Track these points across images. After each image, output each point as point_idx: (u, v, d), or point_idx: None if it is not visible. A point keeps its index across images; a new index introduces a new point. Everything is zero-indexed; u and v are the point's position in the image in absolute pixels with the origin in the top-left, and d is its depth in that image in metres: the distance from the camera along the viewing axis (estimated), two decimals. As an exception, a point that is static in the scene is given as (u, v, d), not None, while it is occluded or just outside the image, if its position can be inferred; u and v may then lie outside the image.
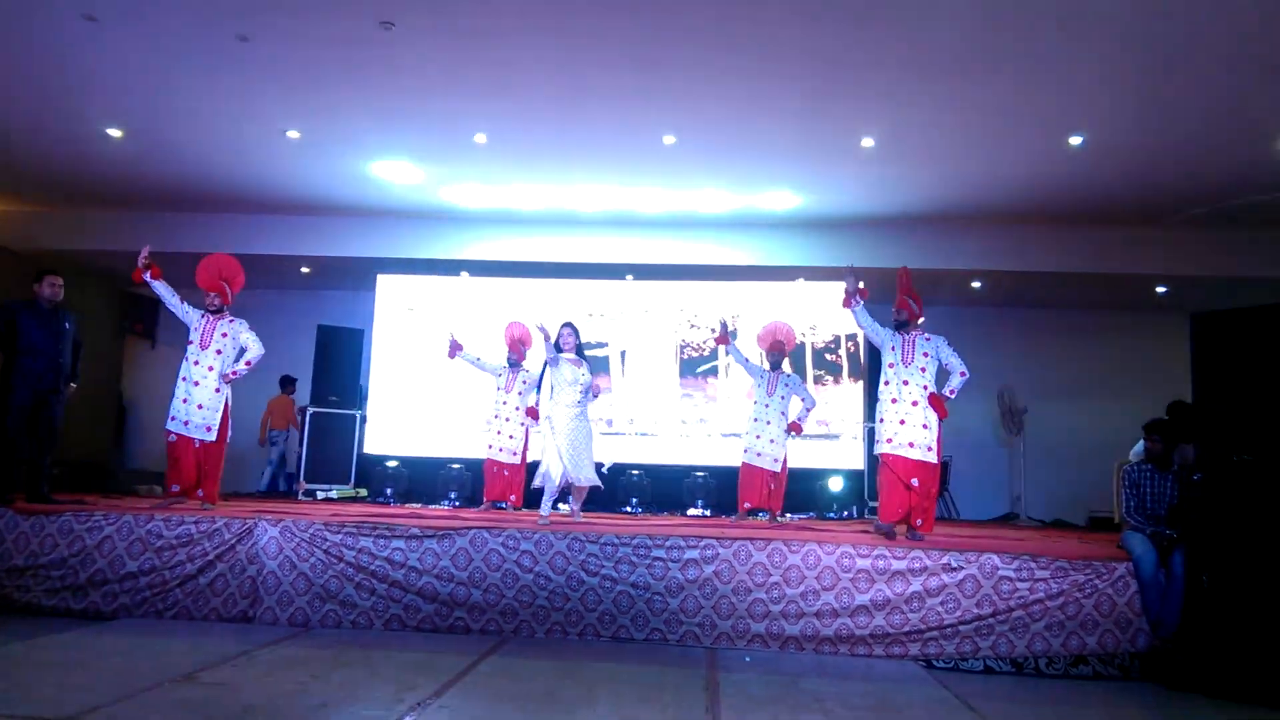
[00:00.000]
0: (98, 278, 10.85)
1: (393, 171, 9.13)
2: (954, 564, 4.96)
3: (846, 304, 6.14)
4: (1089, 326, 11.57)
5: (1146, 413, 6.93)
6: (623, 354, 10.66)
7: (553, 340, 6.38)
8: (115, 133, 8.05)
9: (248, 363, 6.51)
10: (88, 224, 10.28)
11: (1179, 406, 6.49)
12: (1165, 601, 4.78)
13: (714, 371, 10.46)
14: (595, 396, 6.68)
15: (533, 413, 7.77)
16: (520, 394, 7.86)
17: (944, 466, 10.68)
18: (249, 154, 8.58)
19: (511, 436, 7.80)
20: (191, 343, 6.43)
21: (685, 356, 10.60)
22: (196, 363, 6.37)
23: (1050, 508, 10.90)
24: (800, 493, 9.69)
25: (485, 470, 7.91)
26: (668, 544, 5.14)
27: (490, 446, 7.86)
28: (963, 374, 5.91)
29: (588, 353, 6.97)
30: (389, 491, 9.75)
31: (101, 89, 7.25)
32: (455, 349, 7.96)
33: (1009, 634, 4.86)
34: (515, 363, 7.97)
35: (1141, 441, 6.58)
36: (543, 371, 6.93)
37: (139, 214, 10.17)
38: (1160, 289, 10.46)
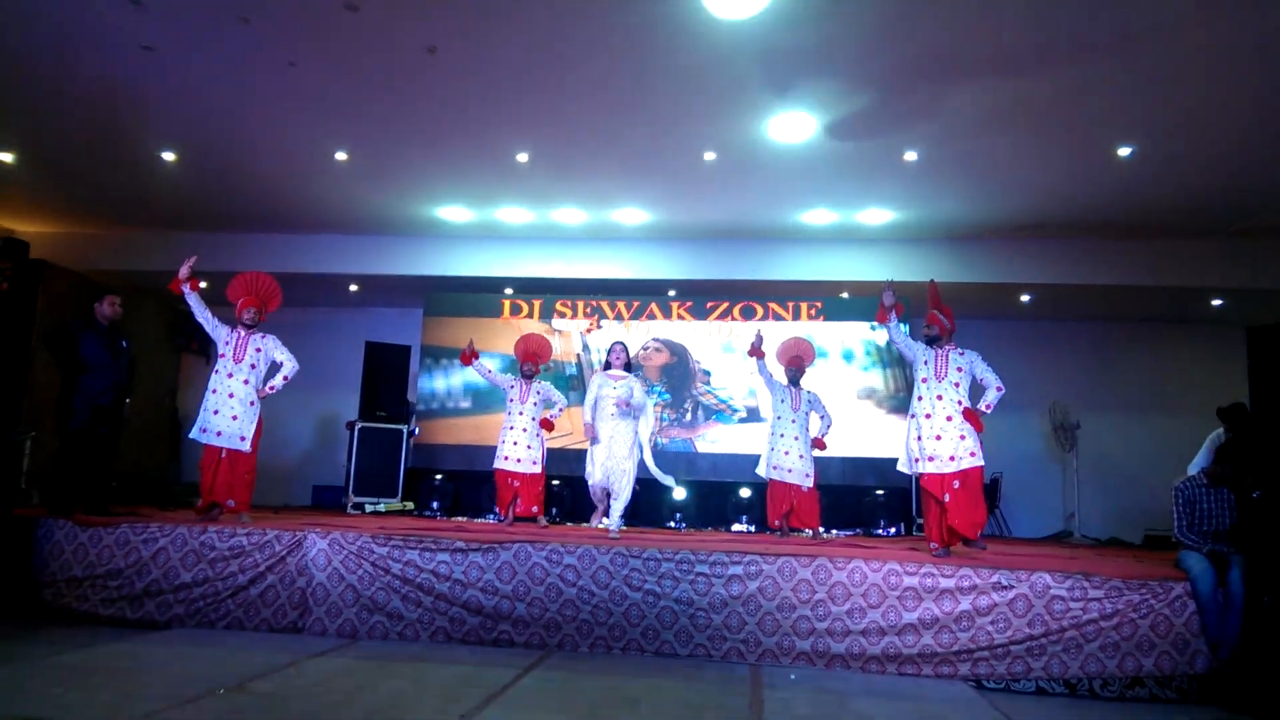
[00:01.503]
0: (154, 297, 11.13)
1: (448, 213, 9.47)
2: (1005, 582, 4.88)
3: (882, 319, 6.09)
4: (1142, 340, 11.32)
5: (1203, 428, 6.79)
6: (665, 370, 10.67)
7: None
8: (170, 156, 8.27)
9: (285, 378, 6.58)
10: (143, 245, 10.56)
11: (1236, 410, 6.33)
12: (1224, 621, 4.65)
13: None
14: (637, 414, 7.01)
15: (548, 424, 7.79)
16: (535, 404, 7.86)
17: (994, 483, 10.54)
18: (299, 175, 8.76)
19: (529, 447, 7.77)
20: (223, 356, 6.49)
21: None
22: (230, 375, 6.43)
23: (1105, 525, 10.65)
24: (846, 509, 9.60)
25: (497, 481, 7.87)
26: (711, 559, 5.12)
27: (505, 458, 7.82)
28: (999, 389, 5.82)
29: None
30: (435, 505, 9.84)
31: (157, 113, 7.45)
32: (470, 357, 7.99)
33: (1062, 655, 4.75)
34: (529, 375, 7.98)
35: (1200, 458, 6.43)
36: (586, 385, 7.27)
37: (192, 235, 10.43)
38: (1216, 301, 10.21)
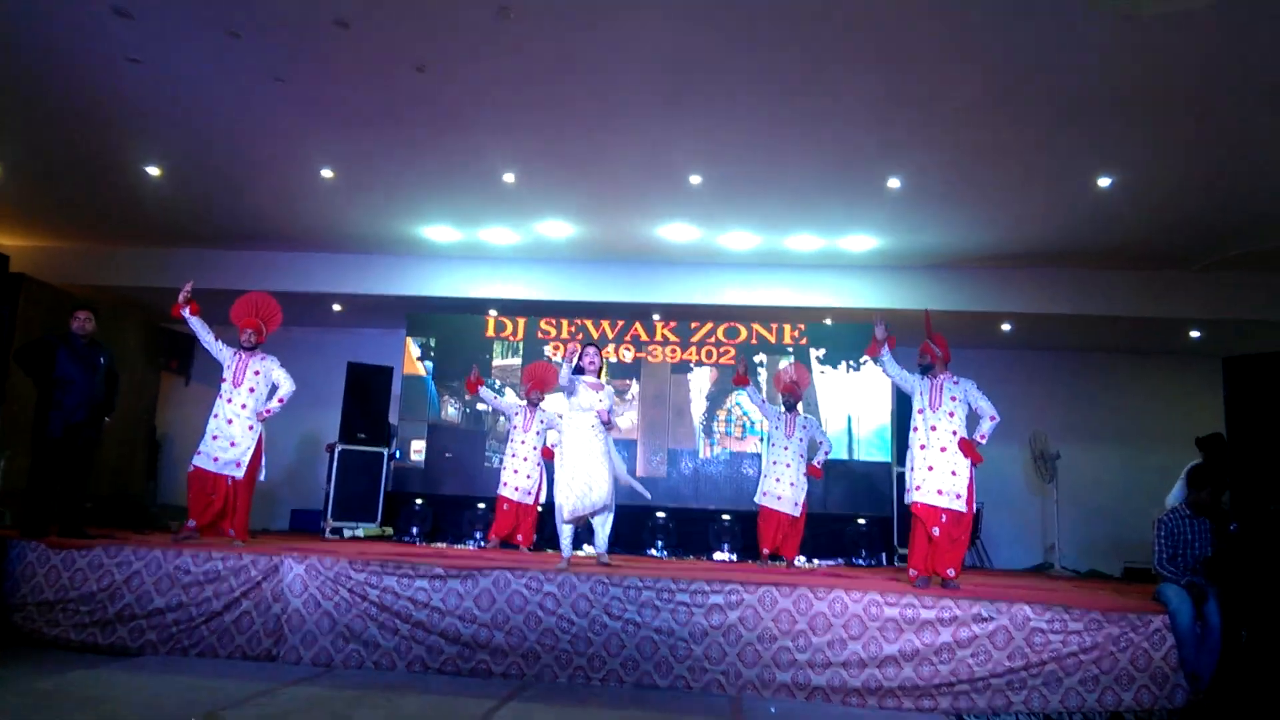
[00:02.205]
0: (134, 314, 11.04)
1: (434, 233, 9.50)
2: (985, 614, 4.87)
3: (874, 352, 6.11)
4: (1122, 371, 11.42)
5: (1182, 460, 6.83)
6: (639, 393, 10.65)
7: (574, 361, 6.11)
8: (154, 170, 8.23)
9: (280, 400, 6.57)
10: (125, 260, 10.49)
11: (1214, 440, 6.38)
12: (1200, 653, 4.66)
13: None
14: (609, 426, 6.23)
15: (548, 453, 7.77)
16: (538, 434, 7.86)
17: (976, 515, 10.54)
18: (284, 193, 8.74)
19: (529, 476, 7.78)
20: (225, 380, 6.51)
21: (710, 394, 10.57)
22: (230, 400, 6.45)
23: (1085, 558, 10.68)
24: (827, 538, 9.58)
25: (496, 507, 7.90)
26: (692, 588, 5.09)
27: (505, 484, 7.85)
28: (993, 418, 5.83)
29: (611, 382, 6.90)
30: (415, 530, 9.75)
31: (143, 128, 7.43)
32: (476, 384, 7.99)
33: (1042, 688, 4.74)
34: (534, 402, 7.98)
35: (1176, 490, 6.47)
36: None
37: (175, 250, 10.38)
38: (1194, 333, 10.32)
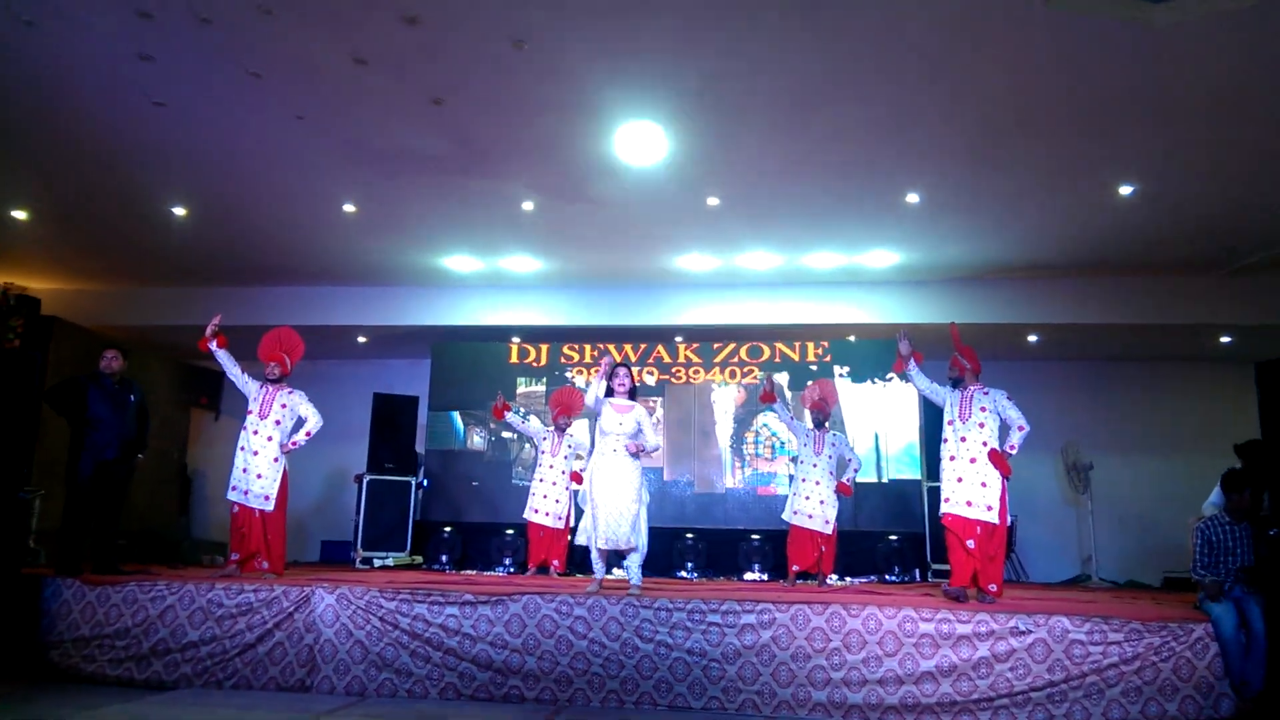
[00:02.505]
0: (163, 352, 11.19)
1: (455, 263, 9.63)
2: (1022, 627, 4.79)
3: (900, 368, 6.09)
4: (1153, 379, 11.27)
5: (1217, 466, 6.70)
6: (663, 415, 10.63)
7: (603, 380, 5.87)
8: (180, 211, 8.37)
9: (308, 433, 6.62)
10: (153, 300, 10.65)
11: (1253, 447, 6.26)
12: (1249, 661, 4.56)
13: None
14: (638, 452, 5.85)
15: (576, 477, 7.77)
16: (566, 458, 7.88)
17: (1010, 528, 10.41)
18: (308, 228, 8.85)
19: (557, 500, 7.80)
20: (251, 412, 6.57)
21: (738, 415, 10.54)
22: (256, 432, 6.51)
23: (1123, 568, 10.50)
24: (859, 555, 9.49)
25: (529, 534, 7.92)
26: (724, 609, 5.05)
27: (535, 511, 7.87)
28: (1023, 428, 5.78)
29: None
30: (444, 558, 9.76)
31: (168, 169, 7.56)
32: (502, 410, 8.02)
33: (1083, 701, 4.66)
34: (562, 427, 8.00)
35: (1213, 496, 6.36)
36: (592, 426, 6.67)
37: (201, 289, 10.52)
38: (1224, 339, 10.17)
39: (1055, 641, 4.74)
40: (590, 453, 6.25)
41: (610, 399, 5.91)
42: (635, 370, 10.49)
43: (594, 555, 5.95)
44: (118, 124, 6.77)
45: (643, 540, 5.82)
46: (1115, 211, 7.91)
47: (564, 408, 8.11)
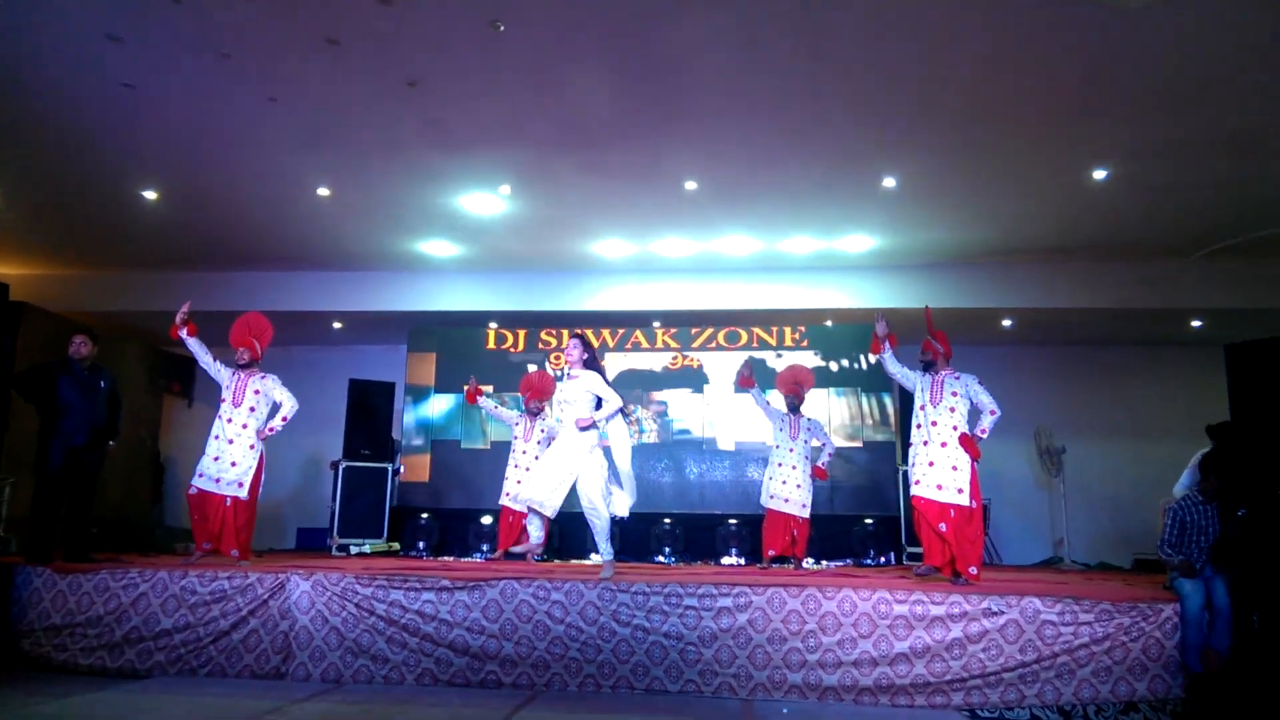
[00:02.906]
0: (135, 338, 11.05)
1: (432, 248, 9.53)
2: (995, 608, 4.85)
3: (875, 350, 6.13)
4: (1125, 363, 11.40)
5: (1188, 450, 6.80)
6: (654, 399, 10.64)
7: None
8: (151, 194, 8.25)
9: (284, 419, 6.55)
10: (124, 285, 10.52)
11: (1225, 428, 6.35)
12: (1214, 632, 4.65)
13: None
14: (591, 425, 5.58)
15: None
16: (539, 443, 7.83)
17: (984, 510, 10.51)
18: (282, 212, 8.75)
19: None
20: (224, 400, 6.49)
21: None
22: (230, 420, 6.43)
23: (1094, 550, 10.64)
24: (835, 539, 9.56)
25: (500, 518, 7.87)
26: (700, 592, 5.07)
27: (507, 495, 7.81)
28: (993, 412, 5.83)
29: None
30: (421, 545, 9.73)
31: (137, 152, 7.45)
32: (475, 395, 7.98)
33: (1055, 681, 4.71)
34: (535, 412, 7.96)
35: (1184, 478, 6.45)
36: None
37: (173, 274, 10.39)
38: (1195, 323, 10.30)
39: (1027, 622, 4.80)
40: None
41: (569, 372, 5.79)
42: (612, 355, 10.49)
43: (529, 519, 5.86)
44: (86, 105, 6.66)
45: (600, 518, 5.56)
46: (1088, 195, 7.98)
47: (535, 391, 8.07)
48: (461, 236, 9.38)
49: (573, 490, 5.60)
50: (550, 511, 5.56)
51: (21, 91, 6.43)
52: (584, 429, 5.57)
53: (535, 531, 5.91)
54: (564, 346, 5.78)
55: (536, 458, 7.80)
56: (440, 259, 9.99)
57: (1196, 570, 4.88)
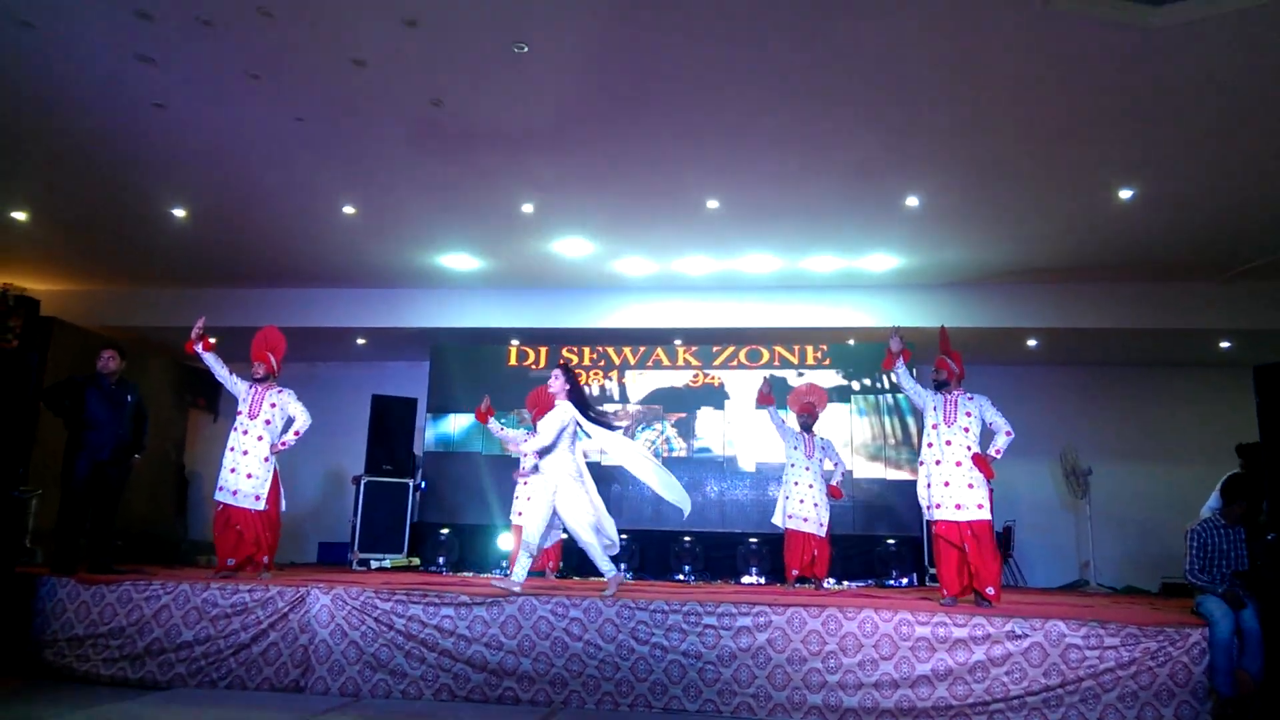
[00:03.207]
0: (162, 353, 11.19)
1: (453, 261, 9.58)
2: (1018, 631, 4.78)
3: (889, 365, 6.09)
4: (1153, 384, 11.26)
5: (1216, 472, 6.70)
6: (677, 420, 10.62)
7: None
8: (180, 212, 8.38)
9: (296, 432, 6.57)
10: (153, 301, 10.67)
11: (1255, 449, 6.26)
12: (1245, 655, 4.57)
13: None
14: (536, 462, 5.70)
15: None
16: None
17: (1008, 531, 10.41)
18: (307, 229, 8.86)
19: None
20: (240, 413, 6.53)
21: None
22: (245, 432, 6.46)
23: (1121, 573, 10.48)
24: (857, 559, 9.48)
25: (514, 534, 7.79)
26: (719, 610, 5.04)
27: (519, 514, 7.76)
28: (1008, 433, 5.78)
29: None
30: (441, 560, 9.75)
31: (168, 170, 7.57)
32: (486, 415, 7.95)
33: (1079, 706, 4.63)
34: None
35: (1211, 500, 6.35)
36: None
37: (200, 290, 10.53)
38: (1224, 344, 10.16)
39: (1052, 646, 4.73)
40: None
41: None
42: (633, 373, 10.48)
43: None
44: (117, 125, 6.78)
45: (583, 543, 5.63)
46: (1115, 215, 7.92)
47: (541, 407, 8.04)
48: (484, 252, 9.43)
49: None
50: (532, 547, 5.59)
51: (54, 110, 6.57)
52: (537, 463, 5.67)
53: (523, 564, 5.70)
54: (555, 368, 5.83)
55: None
56: (462, 274, 10.03)
57: (1242, 601, 4.76)
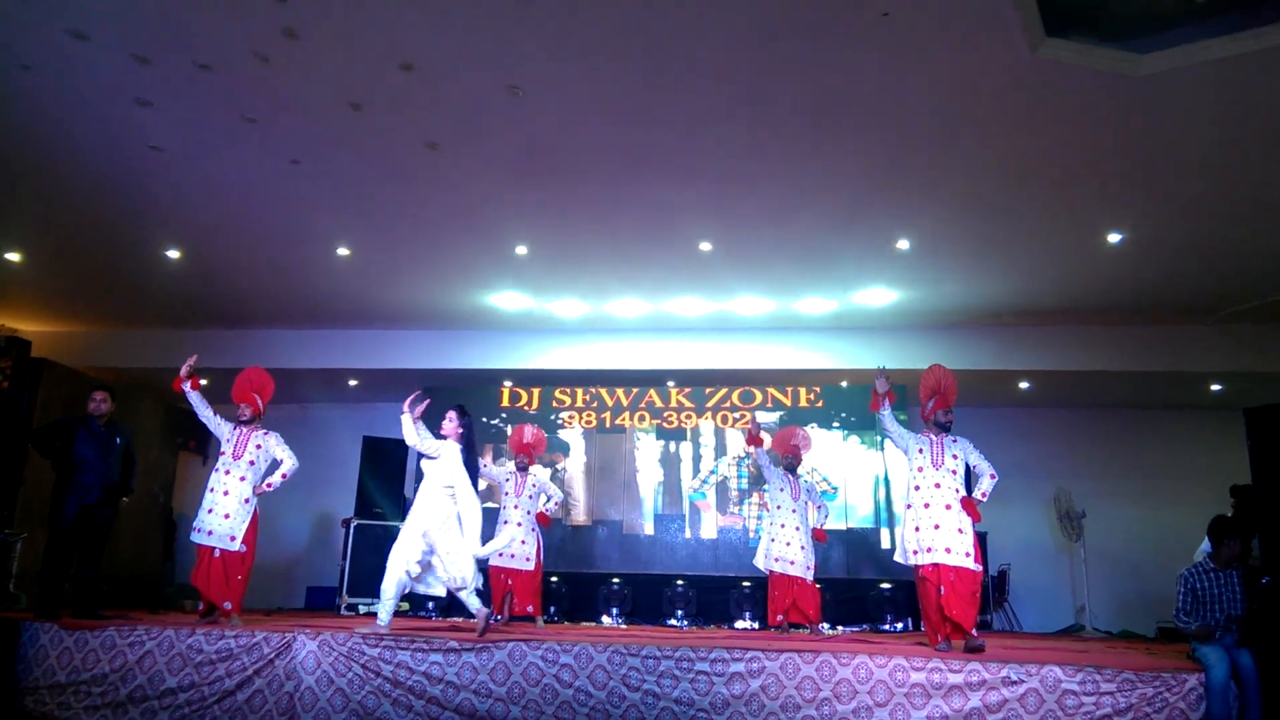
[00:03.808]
0: (153, 395, 11.14)
1: (449, 301, 9.57)
2: (1014, 677, 4.72)
3: (875, 406, 6.06)
4: (1145, 426, 11.26)
5: (1211, 514, 6.67)
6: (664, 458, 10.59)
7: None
8: (174, 254, 8.39)
9: (284, 475, 6.51)
10: (144, 342, 10.64)
11: (1247, 489, 6.25)
12: (1245, 705, 4.51)
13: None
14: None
15: (544, 519, 7.65)
16: (530, 498, 7.73)
17: (1002, 575, 10.35)
18: (302, 272, 8.87)
19: (523, 542, 7.59)
20: (223, 453, 6.46)
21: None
22: (228, 472, 6.38)
23: (1117, 618, 10.40)
24: (852, 604, 9.39)
25: (490, 577, 7.63)
26: (712, 656, 4.97)
27: (499, 555, 7.63)
28: (992, 476, 5.76)
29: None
30: (431, 605, 9.62)
31: (163, 212, 7.60)
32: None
33: (1077, 752, 4.56)
34: (524, 467, 7.87)
35: (1206, 544, 6.32)
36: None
37: (193, 332, 10.52)
38: (1215, 386, 10.21)
39: (1048, 691, 4.67)
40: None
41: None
42: (626, 415, 10.47)
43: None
44: (113, 167, 6.83)
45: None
46: (1105, 258, 7.99)
47: (525, 448, 8.00)
48: (477, 294, 9.44)
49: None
50: (459, 583, 5.92)
51: (50, 152, 6.61)
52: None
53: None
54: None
55: (529, 512, 7.68)
56: (457, 315, 10.03)
57: (1215, 636, 4.76)
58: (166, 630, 5.41)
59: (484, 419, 10.76)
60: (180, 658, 5.31)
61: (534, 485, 7.78)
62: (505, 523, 7.68)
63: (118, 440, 6.59)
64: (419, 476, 6.15)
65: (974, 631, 5.49)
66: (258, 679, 5.22)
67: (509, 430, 10.44)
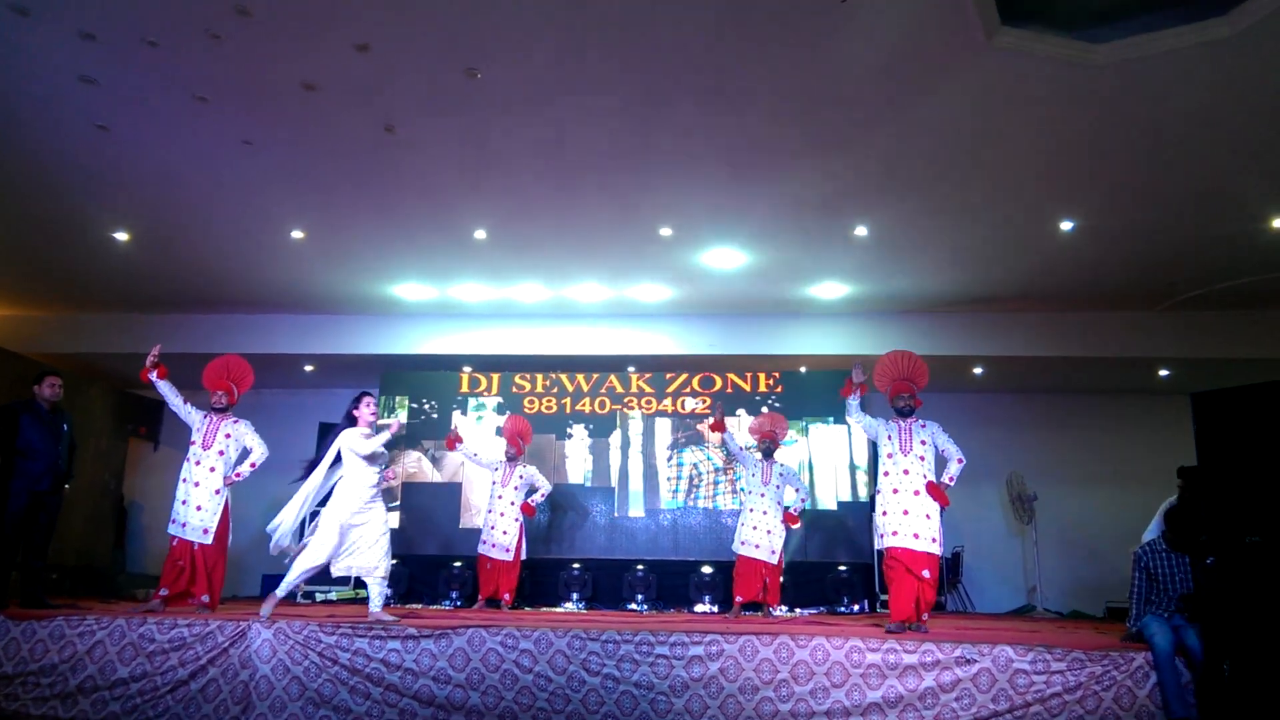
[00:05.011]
0: (101, 380, 10.90)
1: (405, 290, 9.48)
2: (967, 656, 4.81)
3: (846, 393, 6.14)
4: (1096, 411, 11.50)
5: (1159, 497, 6.85)
6: (624, 445, 10.59)
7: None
8: (123, 236, 8.19)
9: (252, 465, 6.44)
10: (91, 327, 10.40)
11: (1195, 471, 6.40)
12: (1186, 686, 4.64)
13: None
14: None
15: (528, 509, 7.67)
16: (516, 489, 7.78)
17: (956, 557, 10.53)
18: (255, 254, 8.71)
19: (505, 532, 7.68)
20: (194, 443, 6.38)
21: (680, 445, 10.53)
22: (198, 463, 6.32)
23: (1067, 599, 10.64)
24: (808, 586, 9.49)
25: (478, 567, 7.76)
26: (671, 640, 5.01)
27: (484, 542, 7.74)
28: (960, 460, 5.86)
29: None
30: (389, 592, 9.54)
31: (110, 193, 7.40)
32: (455, 441, 7.92)
33: (1027, 730, 4.67)
34: (513, 457, 7.91)
35: (1152, 526, 6.48)
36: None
37: (142, 316, 10.30)
38: (1163, 372, 10.44)
39: (1000, 671, 4.77)
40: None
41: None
42: (587, 400, 10.46)
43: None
44: (58, 147, 6.63)
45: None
46: (1057, 247, 8.11)
47: (514, 438, 8.04)
48: (436, 279, 9.37)
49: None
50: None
51: (-7, 130, 6.40)
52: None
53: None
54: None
55: (513, 503, 7.73)
56: (414, 301, 9.96)
57: (1180, 622, 4.87)
58: (118, 620, 5.32)
59: (435, 403, 10.67)
60: (132, 647, 5.23)
61: (521, 477, 7.82)
62: (491, 512, 7.73)
63: (64, 426, 6.45)
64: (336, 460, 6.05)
65: (925, 616, 5.61)
66: (212, 668, 5.15)
67: (453, 422, 10.40)
